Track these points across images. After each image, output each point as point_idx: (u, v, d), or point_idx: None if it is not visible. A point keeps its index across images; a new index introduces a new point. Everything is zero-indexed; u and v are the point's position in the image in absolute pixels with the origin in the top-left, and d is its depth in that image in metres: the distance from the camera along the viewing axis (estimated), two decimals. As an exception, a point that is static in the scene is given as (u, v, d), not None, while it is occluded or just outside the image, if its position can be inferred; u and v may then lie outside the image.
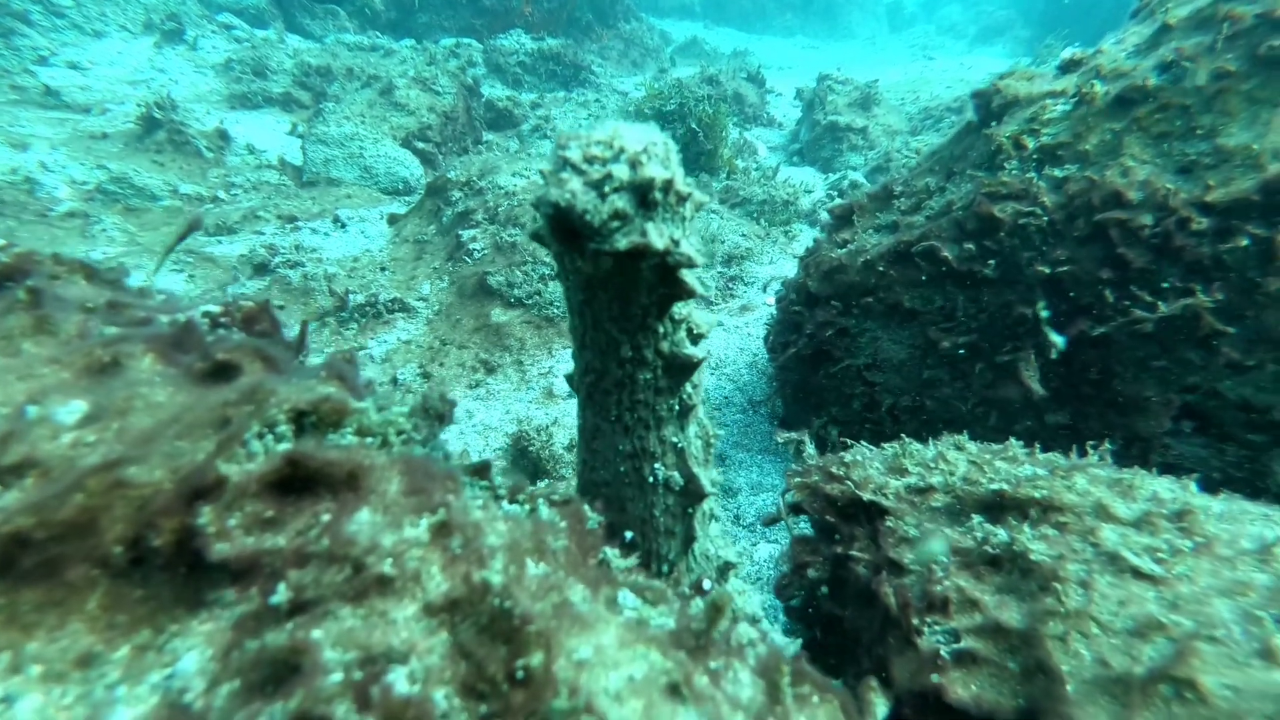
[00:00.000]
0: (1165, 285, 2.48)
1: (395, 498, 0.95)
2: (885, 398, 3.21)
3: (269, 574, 0.83)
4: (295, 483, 0.93)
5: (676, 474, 1.47)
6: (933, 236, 2.93)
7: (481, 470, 1.29)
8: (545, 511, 1.24)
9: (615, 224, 1.02)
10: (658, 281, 1.16)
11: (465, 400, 4.35)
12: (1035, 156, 2.82)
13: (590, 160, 1.01)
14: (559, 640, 0.87)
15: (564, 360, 4.48)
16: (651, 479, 1.46)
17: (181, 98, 8.97)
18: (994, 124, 3.10)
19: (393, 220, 6.93)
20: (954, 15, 25.85)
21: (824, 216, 6.50)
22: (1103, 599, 1.57)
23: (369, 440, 1.03)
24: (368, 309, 5.08)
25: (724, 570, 1.73)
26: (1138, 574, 1.58)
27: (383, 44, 12.04)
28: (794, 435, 2.84)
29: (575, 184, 1.00)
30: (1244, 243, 2.34)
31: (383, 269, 5.94)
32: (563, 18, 15.70)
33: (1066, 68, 3.08)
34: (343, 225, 6.96)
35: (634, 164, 1.02)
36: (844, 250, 3.31)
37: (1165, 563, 1.59)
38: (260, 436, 0.93)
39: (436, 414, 1.29)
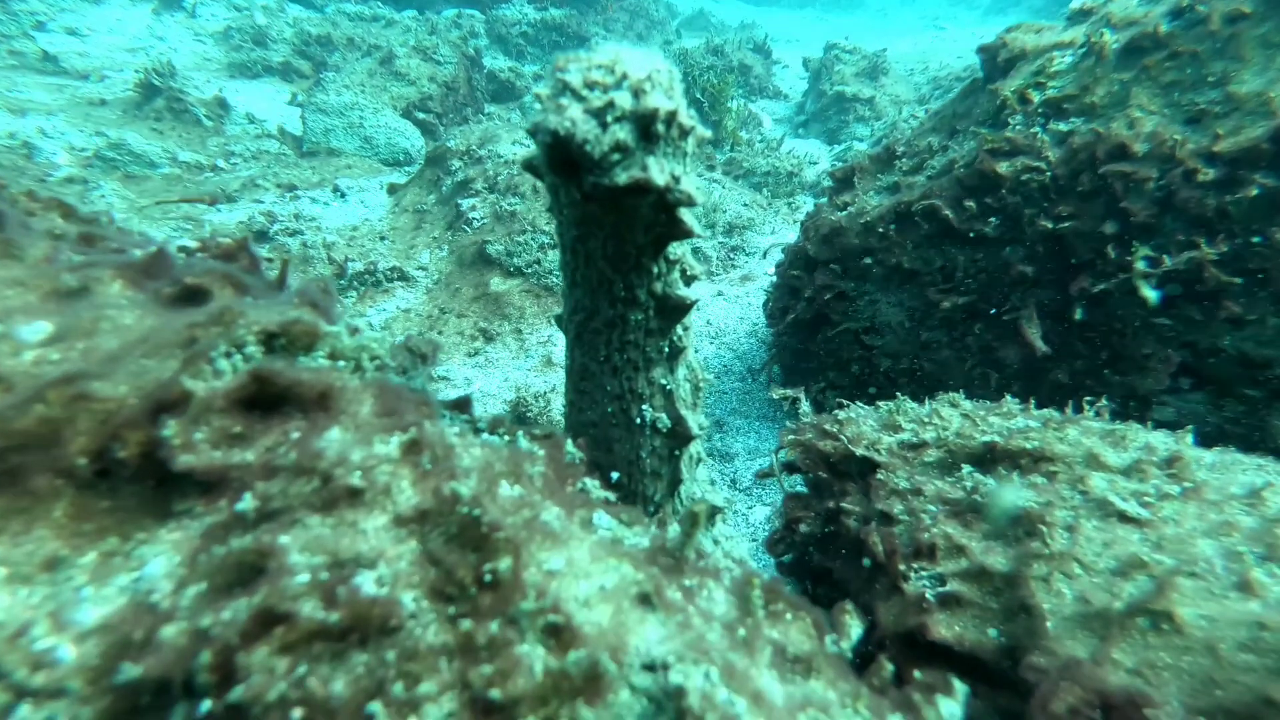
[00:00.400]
0: (1167, 239, 2.44)
1: (367, 418, 0.95)
2: (883, 361, 3.19)
3: (237, 487, 0.83)
4: (265, 402, 0.92)
5: (664, 415, 1.46)
6: (934, 195, 2.89)
7: (462, 404, 1.28)
8: (524, 443, 1.23)
9: (616, 156, 0.98)
10: (655, 219, 1.14)
11: (464, 368, 4.35)
12: (1041, 110, 2.76)
13: (591, 85, 0.95)
14: (529, 551, 0.87)
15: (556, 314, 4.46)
16: (639, 420, 1.45)
17: (180, 66, 8.89)
18: (1000, 79, 3.04)
19: (392, 190, 6.89)
20: (966, -15, 25.28)
21: (827, 184, 6.43)
22: (1088, 541, 1.56)
23: (341, 364, 1.02)
24: (366, 277, 5.07)
25: (711, 514, 1.72)
26: (1124, 518, 1.57)
27: (384, 14, 11.88)
28: (789, 391, 2.83)
29: (575, 111, 0.94)
30: (1253, 193, 2.29)
31: (382, 238, 5.92)
32: (567, -14, 15.44)
33: (1075, 17, 3.01)
34: (342, 195, 6.93)
35: (637, 92, 0.96)
36: (844, 213, 3.27)
37: (1152, 506, 1.58)
38: (228, 356, 0.93)
39: (419, 353, 1.28)
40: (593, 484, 1.28)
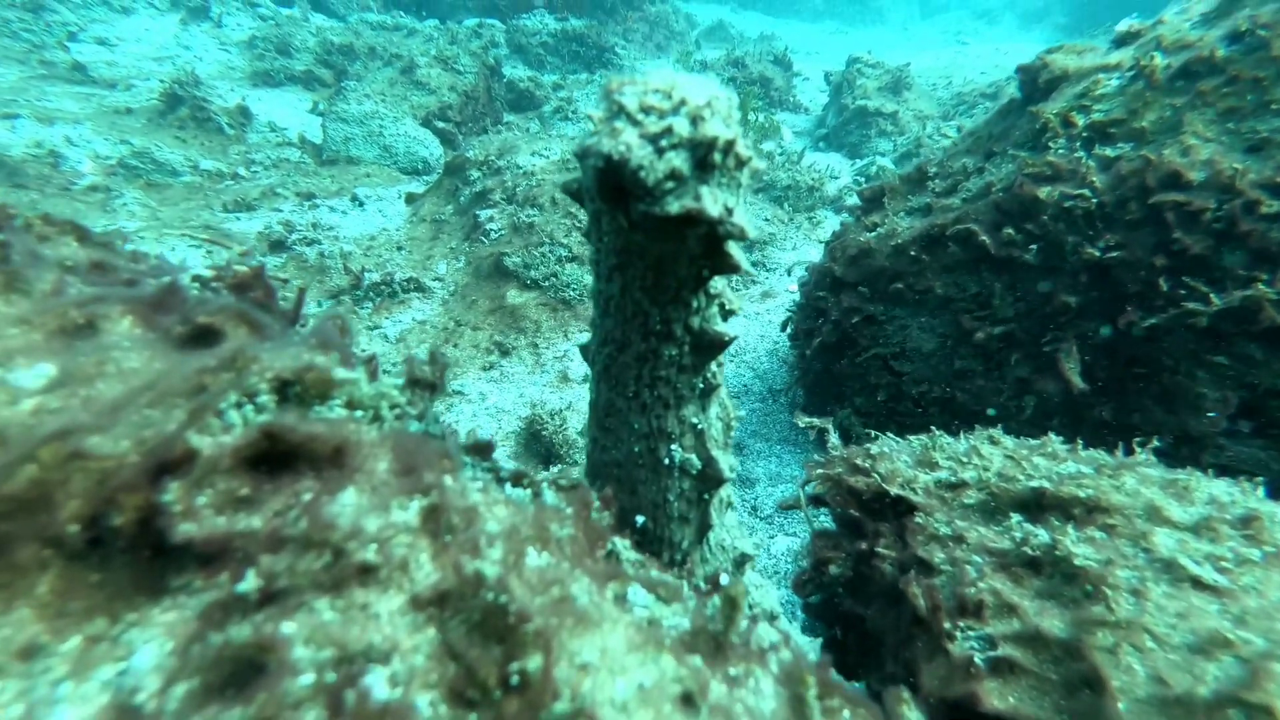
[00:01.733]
0: (1224, 274, 2.31)
1: (385, 477, 0.86)
2: (912, 388, 3.07)
3: (241, 559, 0.74)
4: (275, 458, 0.83)
5: (694, 456, 1.36)
6: (969, 219, 2.78)
7: (483, 450, 1.19)
8: (550, 496, 1.14)
9: (669, 185, 0.90)
10: (702, 252, 1.05)
11: (479, 382, 4.27)
12: (1085, 134, 2.65)
13: (647, 110, 0.89)
14: (559, 640, 0.77)
15: (580, 343, 4.38)
16: (667, 461, 1.35)
17: (205, 74, 8.95)
18: (1040, 101, 2.93)
19: (410, 199, 6.86)
20: (989, 0, 25.17)
21: (850, 201, 6.31)
22: (1158, 610, 1.44)
23: (359, 414, 0.93)
24: (383, 288, 5.02)
25: (740, 562, 1.62)
26: (1198, 584, 1.45)
27: (406, 23, 11.94)
28: (816, 421, 2.73)
29: (630, 135, 0.88)
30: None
31: (399, 248, 5.88)
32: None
33: (1122, 40, 2.90)
34: (360, 204, 6.91)
35: (695, 119, 0.90)
36: (873, 234, 3.16)
37: (1230, 573, 1.46)
38: (239, 406, 0.84)
39: (426, 384, 1.19)
40: (622, 544, 1.18)
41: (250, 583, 0.71)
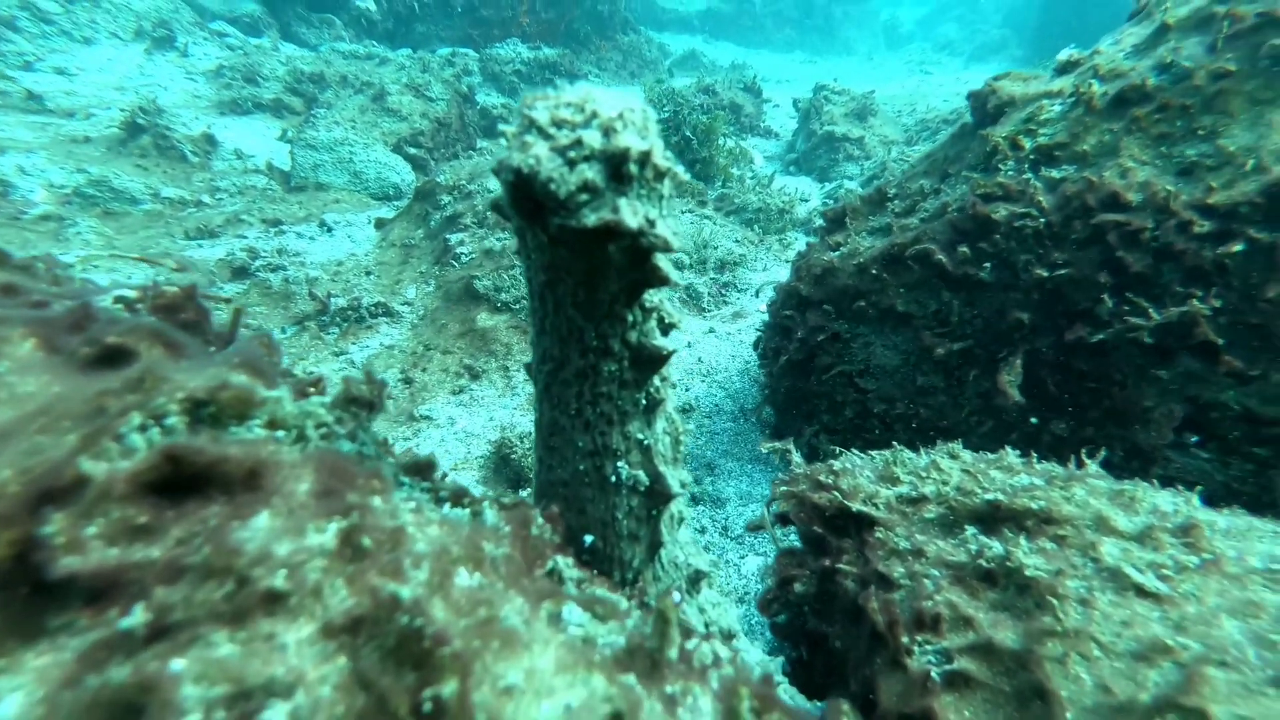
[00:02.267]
0: (1164, 291, 2.37)
1: (304, 500, 0.83)
2: (878, 405, 3.10)
3: (134, 594, 0.71)
4: (184, 484, 0.80)
5: (641, 473, 1.35)
6: (926, 239, 2.83)
7: (423, 469, 1.17)
8: (490, 516, 1.12)
9: (584, 197, 0.91)
10: (629, 265, 1.06)
11: (448, 407, 4.22)
12: (1032, 157, 2.72)
13: (558, 124, 0.91)
14: (481, 664, 0.75)
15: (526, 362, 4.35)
16: (614, 478, 1.34)
17: (170, 103, 8.89)
18: (989, 125, 3.01)
19: (380, 224, 6.83)
20: (950, 33, 26.02)
21: (820, 223, 6.42)
22: (1104, 618, 1.45)
23: (281, 434, 0.91)
24: (350, 313, 4.96)
25: (695, 579, 1.60)
26: (1141, 591, 1.47)
27: (379, 52, 12.00)
28: (779, 444, 2.73)
29: (540, 149, 0.89)
30: (1240, 247, 2.24)
31: (368, 273, 5.84)
32: (560, 29, 15.71)
33: (1063, 69, 3.00)
34: (329, 229, 6.87)
35: (607, 131, 0.91)
36: (836, 253, 3.21)
37: (1170, 580, 1.47)
38: (142, 430, 0.81)
39: (364, 401, 1.17)
40: (565, 562, 1.17)
41: (137, 617, 0.68)
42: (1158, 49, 2.61)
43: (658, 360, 1.25)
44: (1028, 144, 2.75)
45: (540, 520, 1.16)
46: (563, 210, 0.91)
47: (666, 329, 1.31)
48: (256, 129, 9.36)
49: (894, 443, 2.43)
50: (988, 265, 2.69)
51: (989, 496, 1.95)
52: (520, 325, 4.59)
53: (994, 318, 2.72)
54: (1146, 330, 2.38)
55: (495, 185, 5.94)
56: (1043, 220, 2.57)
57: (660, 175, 1.01)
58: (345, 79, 10.35)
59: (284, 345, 4.63)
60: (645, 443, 1.34)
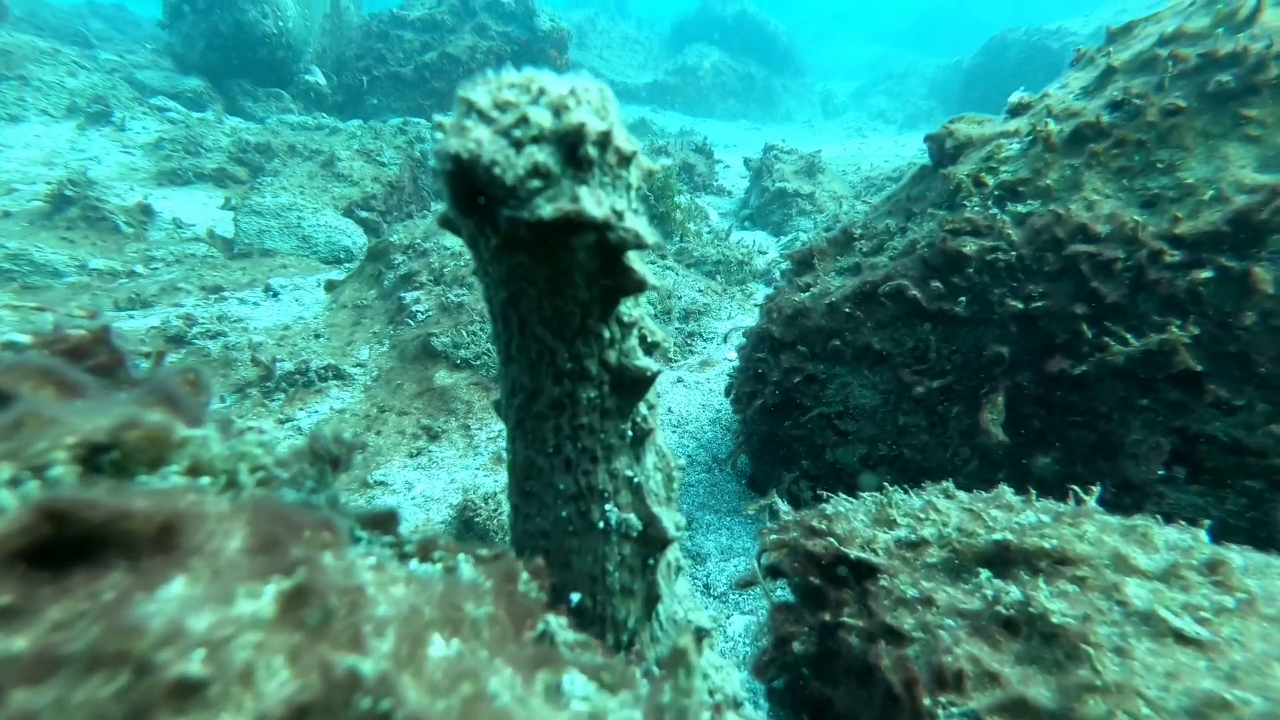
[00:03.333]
0: (1142, 320, 2.36)
1: (234, 558, 0.65)
2: (859, 448, 2.99)
3: (-7, 692, 0.51)
4: (71, 551, 0.62)
5: (633, 516, 1.18)
6: (899, 275, 2.80)
7: (383, 522, 0.99)
8: (467, 571, 0.94)
9: (535, 183, 0.78)
10: (599, 268, 0.92)
11: (405, 470, 3.96)
12: (996, 193, 2.74)
13: (502, 106, 0.78)
14: (469, 768, 0.57)
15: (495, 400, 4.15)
16: (602, 524, 1.17)
17: (104, 176, 8.61)
18: (949, 165, 3.04)
19: (330, 286, 6.61)
20: (882, 104, 27.60)
21: (781, 269, 6.47)
22: (1146, 670, 1.31)
23: (206, 481, 0.73)
24: (297, 377, 4.69)
25: (697, 638, 1.41)
26: (1181, 638, 1.34)
27: (328, 123, 11.96)
28: (763, 502, 2.59)
29: (481, 132, 0.75)
30: (1208, 274, 2.25)
31: (317, 336, 5.58)
32: (513, 98, 16.02)
33: (1015, 111, 3.08)
34: (275, 294, 6.61)
35: (558, 109, 0.79)
36: (806, 294, 3.16)
37: (1210, 624, 1.35)
38: (14, 484, 0.63)
39: (329, 457, 0.99)
40: (558, 623, 0.98)
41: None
42: (1107, 89, 2.69)
43: (642, 383, 1.11)
44: (990, 181, 2.77)
45: (525, 575, 0.98)
46: (512, 200, 0.77)
47: (649, 348, 1.17)
48: (197, 199, 9.11)
49: (885, 485, 2.31)
50: (963, 300, 2.66)
51: (996, 536, 1.83)
52: (482, 382, 4.40)
53: (972, 353, 2.67)
54: (1122, 357, 2.35)
55: (450, 243, 5.83)
56: (1014, 254, 2.57)
57: (625, 160, 0.89)
58: (293, 148, 10.25)
59: (224, 414, 4.32)
60: (635, 480, 1.18)
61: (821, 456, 3.12)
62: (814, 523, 2.23)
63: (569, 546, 1.17)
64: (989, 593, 1.66)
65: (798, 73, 28.84)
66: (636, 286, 0.97)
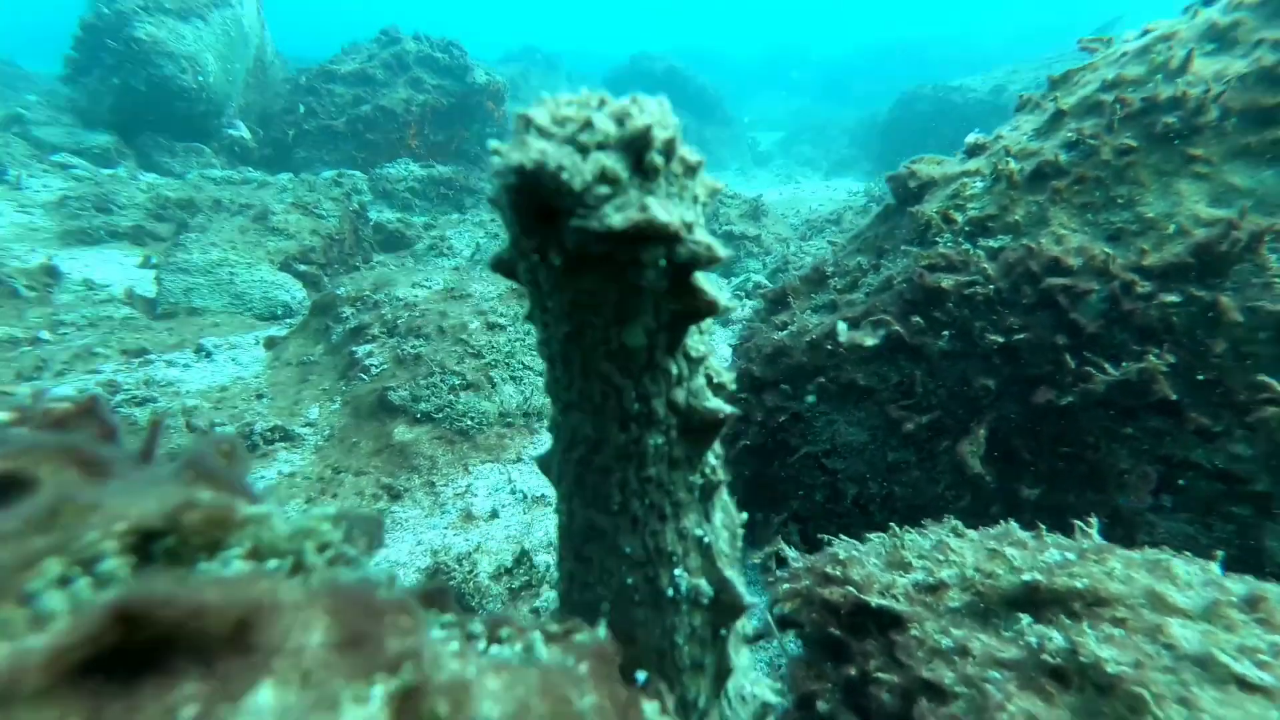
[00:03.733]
0: (1120, 350, 2.44)
1: (320, 655, 0.53)
2: (849, 487, 2.95)
3: None
4: (136, 654, 0.48)
5: (704, 581, 1.08)
6: (878, 311, 2.83)
7: (437, 599, 0.86)
8: (543, 651, 0.82)
9: (603, 190, 0.73)
10: (668, 289, 0.85)
11: (363, 536, 3.68)
12: (966, 229, 2.83)
13: (562, 121, 0.74)
14: None
15: (483, 476, 3.95)
16: (671, 591, 1.06)
17: (-2, 239, 8.03)
18: (915, 204, 3.13)
19: (271, 344, 6.26)
20: (807, 152, 28.93)
21: (737, 314, 6.52)
22: (1217, 725, 1.27)
23: (274, 564, 0.60)
24: (240, 442, 4.35)
25: (761, 716, 1.30)
26: (1244, 685, 1.31)
27: (256, 177, 11.53)
28: (768, 549, 2.50)
29: (544, 143, 0.71)
30: (1177, 299, 2.35)
31: (259, 396, 5.23)
32: (451, 149, 15.97)
33: (972, 151, 3.21)
34: (208, 355, 6.21)
35: (620, 118, 0.75)
36: (784, 333, 3.15)
37: (1270, 668, 1.33)
38: (64, 583, 0.49)
39: (366, 543, 0.86)
40: (651, 710, 0.87)
41: None
42: (1060, 131, 2.84)
43: (713, 426, 1.03)
44: (960, 217, 2.86)
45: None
46: (580, 209, 0.72)
47: (716, 389, 1.09)
48: (111, 258, 8.56)
49: (889, 525, 2.26)
50: (945, 334, 2.69)
51: (1026, 577, 1.78)
52: (444, 435, 4.18)
53: (958, 386, 2.70)
54: (1105, 385, 2.40)
55: (403, 294, 5.63)
56: (991, 287, 2.63)
57: (690, 170, 0.85)
58: (219, 203, 9.81)
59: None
60: (705, 540, 1.08)
61: (811, 497, 3.06)
62: (827, 569, 2.15)
63: (635, 618, 1.05)
64: (1031, 640, 1.61)
65: (726, 123, 30.01)
66: (708, 309, 0.90)
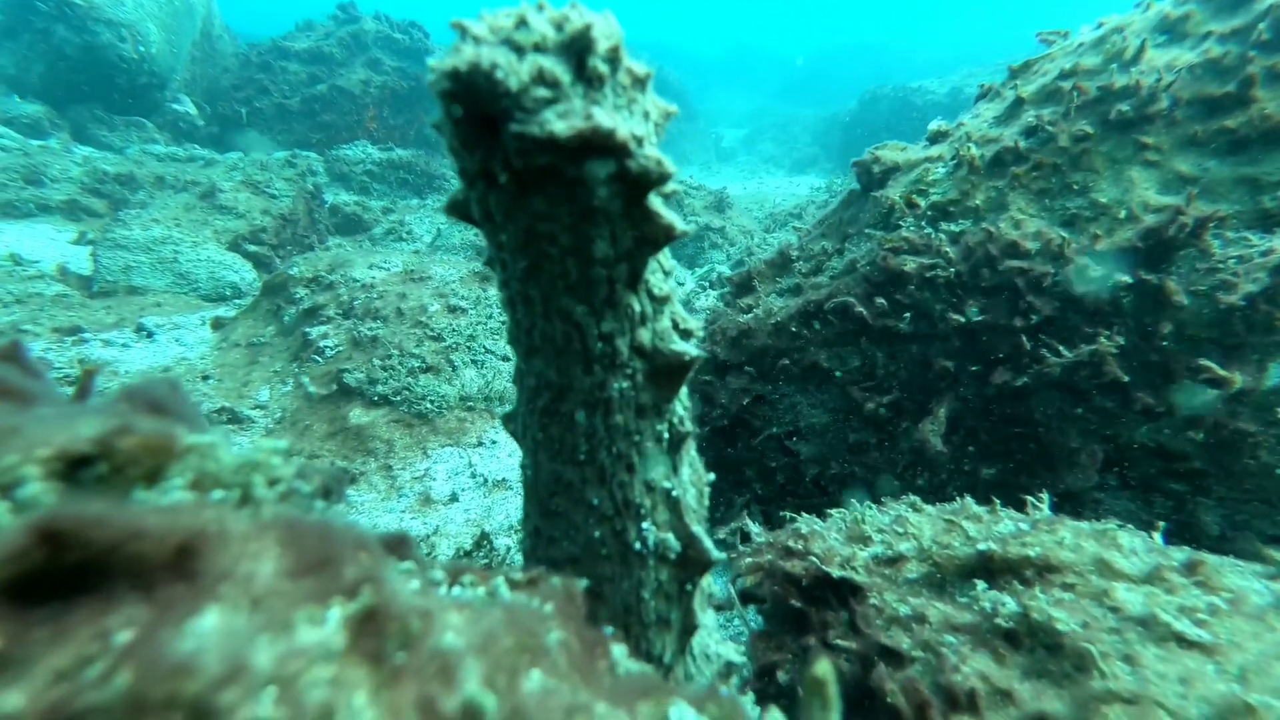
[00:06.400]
0: (1073, 333, 2.50)
1: (272, 582, 0.49)
2: (810, 469, 2.98)
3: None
4: (66, 582, 0.44)
5: (671, 535, 1.06)
6: (842, 293, 2.85)
7: (397, 545, 0.82)
8: (507, 594, 0.79)
9: (542, 92, 0.69)
10: (621, 210, 0.83)
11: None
12: (929, 213, 2.87)
13: (497, 30, 0.71)
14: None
15: (442, 460, 3.86)
16: (639, 545, 1.04)
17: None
18: (878, 189, 3.17)
19: (218, 325, 6.03)
20: (770, 150, 29.19)
21: (700, 303, 6.53)
22: (1160, 677, 1.31)
23: (218, 494, 0.55)
24: (186, 421, 4.18)
25: (726, 674, 1.29)
26: (1183, 641, 1.35)
27: (203, 155, 11.06)
28: (733, 525, 2.51)
29: (479, 47, 0.68)
30: (1127, 278, 2.43)
31: (205, 378, 5.03)
32: (410, 134, 15.61)
33: (934, 138, 3.26)
34: (149, 334, 5.95)
35: (559, 23, 0.72)
36: (749, 315, 3.15)
37: (1207, 625, 1.38)
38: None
39: (322, 488, 0.81)
40: (620, 652, 0.84)
41: None
42: (1020, 117, 2.90)
43: (679, 369, 1.00)
44: (922, 202, 2.90)
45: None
46: (519, 113, 0.69)
47: (683, 335, 1.07)
48: (41, 233, 8.11)
49: (851, 501, 2.29)
50: (906, 316, 2.73)
51: (981, 547, 1.82)
52: (402, 419, 4.08)
53: (919, 368, 2.74)
54: (1059, 367, 2.47)
55: (360, 275, 5.47)
56: (952, 270, 2.67)
57: (639, 82, 0.83)
58: (162, 180, 9.39)
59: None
60: (674, 494, 1.06)
61: (772, 479, 3.08)
62: (789, 543, 2.16)
63: (603, 573, 1.02)
64: (985, 605, 1.64)
65: (691, 118, 30.05)
66: (665, 233, 0.88)
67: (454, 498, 3.60)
